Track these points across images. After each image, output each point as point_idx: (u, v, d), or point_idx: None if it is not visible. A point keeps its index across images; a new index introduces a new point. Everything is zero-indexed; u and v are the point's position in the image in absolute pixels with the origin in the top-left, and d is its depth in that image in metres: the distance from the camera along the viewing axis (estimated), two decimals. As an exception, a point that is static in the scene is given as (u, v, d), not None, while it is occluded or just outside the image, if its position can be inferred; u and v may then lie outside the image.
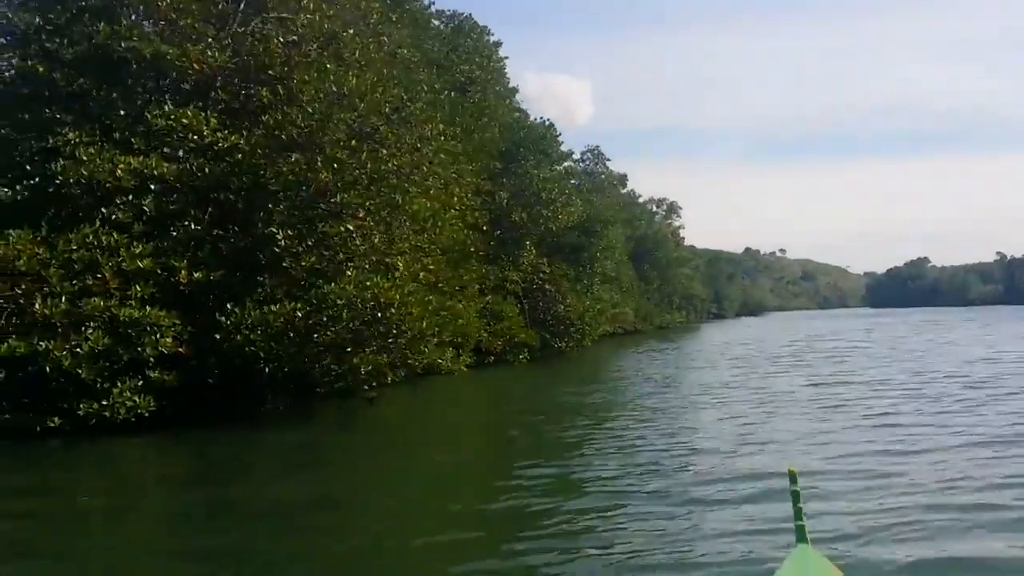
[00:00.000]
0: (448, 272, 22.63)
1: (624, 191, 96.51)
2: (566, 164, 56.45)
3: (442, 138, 21.91)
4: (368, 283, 16.40)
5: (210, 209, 16.90)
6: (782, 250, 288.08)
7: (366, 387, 18.55)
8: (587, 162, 62.62)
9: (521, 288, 36.12)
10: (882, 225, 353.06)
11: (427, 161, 19.96)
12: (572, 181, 50.30)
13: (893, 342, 40.30)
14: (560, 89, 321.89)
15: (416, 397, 21.97)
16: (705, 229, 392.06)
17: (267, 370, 16.70)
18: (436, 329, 17.40)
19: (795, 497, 4.12)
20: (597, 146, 70.59)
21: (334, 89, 17.11)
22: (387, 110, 18.45)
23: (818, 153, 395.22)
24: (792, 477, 4.14)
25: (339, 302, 16.05)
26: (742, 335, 60.25)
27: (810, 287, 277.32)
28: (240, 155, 16.62)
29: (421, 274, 19.84)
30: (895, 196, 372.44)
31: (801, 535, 4.14)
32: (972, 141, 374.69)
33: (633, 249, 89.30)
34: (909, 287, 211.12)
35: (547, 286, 36.95)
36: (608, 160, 63.25)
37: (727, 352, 37.60)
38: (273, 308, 15.58)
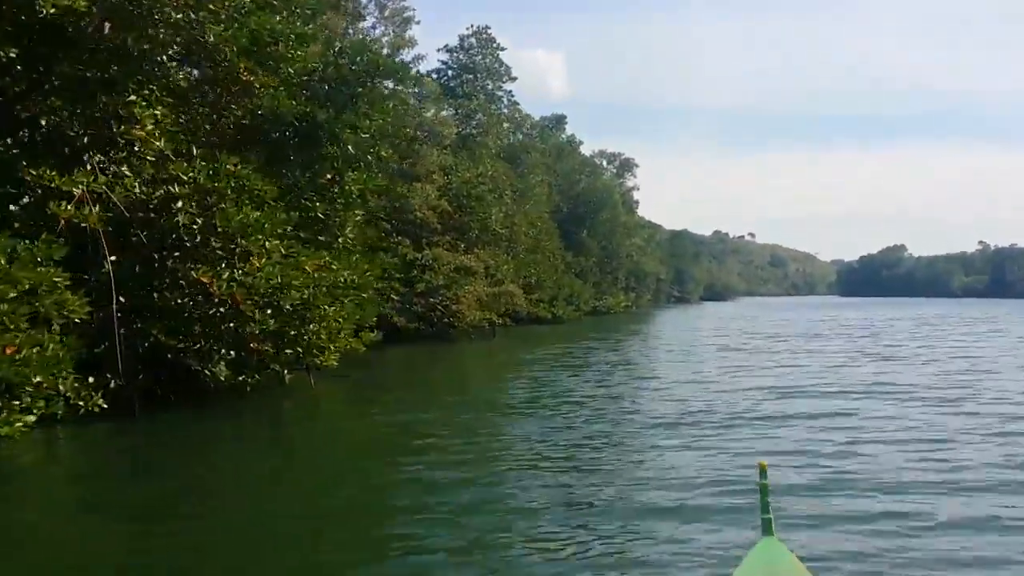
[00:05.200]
0: None
1: (564, 137, 73.86)
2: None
3: None
4: None
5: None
6: (751, 234, 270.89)
7: None
8: (471, 50, 37.65)
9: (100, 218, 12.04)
10: (853, 213, 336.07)
11: None
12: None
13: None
14: (532, 63, 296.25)
15: None
16: (673, 211, 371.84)
17: None
18: None
19: (763, 490, 4.12)
20: (487, 27, 41.04)
21: None
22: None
23: (791, 138, 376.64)
24: (762, 471, 4.14)
25: None
26: (712, 334, 36.72)
27: (779, 273, 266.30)
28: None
29: None
30: (868, 184, 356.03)
31: (767, 528, 4.12)
32: (942, 130, 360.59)
33: (568, 210, 66.17)
34: (883, 276, 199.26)
35: (179, 216, 12.78)
36: (502, 49, 37.82)
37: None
38: None
